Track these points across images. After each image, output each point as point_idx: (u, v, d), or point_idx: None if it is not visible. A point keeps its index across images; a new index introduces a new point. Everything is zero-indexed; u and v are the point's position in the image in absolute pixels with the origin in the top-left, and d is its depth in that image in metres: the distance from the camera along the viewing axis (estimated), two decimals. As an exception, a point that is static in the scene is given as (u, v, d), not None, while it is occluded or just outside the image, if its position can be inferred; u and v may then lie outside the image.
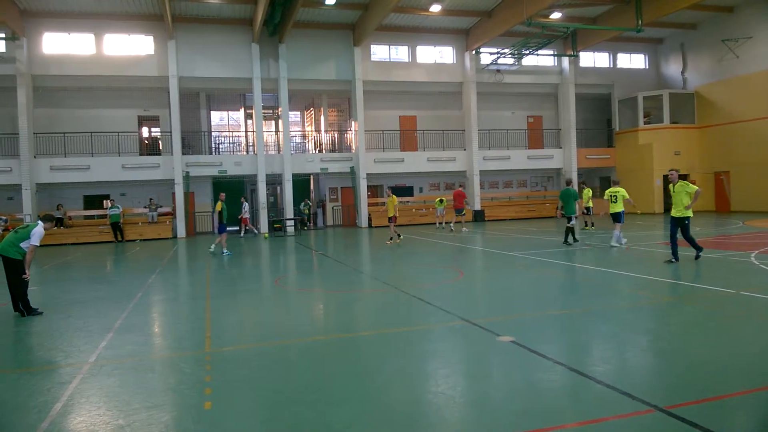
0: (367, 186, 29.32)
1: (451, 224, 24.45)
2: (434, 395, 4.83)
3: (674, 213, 11.68)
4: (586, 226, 21.52)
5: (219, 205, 17.64)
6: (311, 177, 31.49)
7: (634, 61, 34.23)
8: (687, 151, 30.93)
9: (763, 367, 5.23)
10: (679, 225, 11.63)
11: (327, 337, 7.17)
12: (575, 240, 16.34)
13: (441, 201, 25.89)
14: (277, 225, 26.73)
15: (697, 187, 11.62)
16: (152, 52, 26.13)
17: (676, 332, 6.67)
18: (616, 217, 15.20)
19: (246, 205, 25.46)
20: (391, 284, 10.73)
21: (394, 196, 18.94)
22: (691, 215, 11.62)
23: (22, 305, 8.66)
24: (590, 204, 21.68)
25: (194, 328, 7.77)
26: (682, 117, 31.48)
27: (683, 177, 29.91)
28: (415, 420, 4.34)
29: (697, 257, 11.79)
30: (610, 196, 15.42)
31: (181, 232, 26.43)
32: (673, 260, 11.64)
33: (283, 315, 8.78)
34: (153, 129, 29.47)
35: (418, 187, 32.48)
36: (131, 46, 26.10)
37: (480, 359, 5.93)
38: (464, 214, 24.03)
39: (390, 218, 19.00)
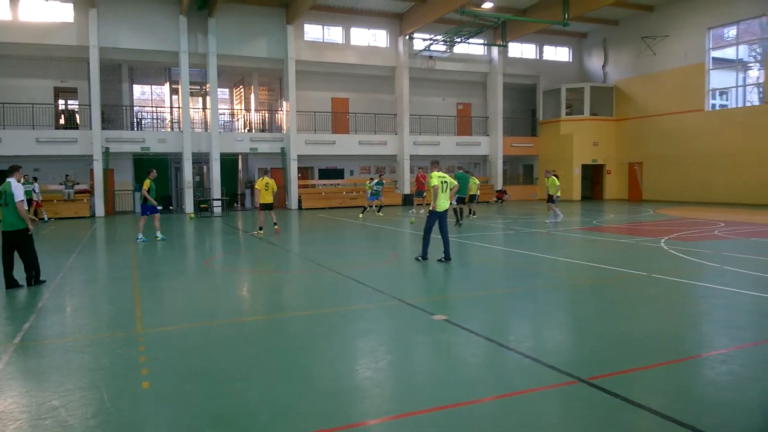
0: (298, 168, 29.07)
1: (413, 210, 25.39)
2: (374, 371, 4.97)
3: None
4: (470, 213, 22.28)
5: (147, 183, 14.81)
6: (239, 157, 30.85)
7: (559, 53, 35.55)
8: (605, 142, 32.60)
9: (673, 342, 5.72)
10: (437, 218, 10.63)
11: (262, 317, 7.18)
12: (460, 222, 18.40)
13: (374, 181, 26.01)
14: (203, 205, 26.08)
15: (455, 182, 10.93)
16: (71, 20, 24.59)
17: (596, 311, 7.14)
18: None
19: (37, 186, 22.29)
20: (325, 266, 10.80)
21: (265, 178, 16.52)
22: (440, 210, 10.59)
23: (35, 272, 8.92)
24: (477, 192, 22.53)
25: (123, 308, 7.55)
26: (601, 109, 33.09)
27: (599, 166, 32.03)
28: (357, 394, 4.48)
29: (422, 257, 10.94)
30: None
31: (100, 210, 25.30)
32: (420, 258, 10.86)
33: (217, 296, 8.68)
34: (70, 102, 27.89)
35: (349, 170, 32.52)
36: (49, 12, 24.44)
37: (416, 337, 6.13)
38: (424, 197, 24.79)
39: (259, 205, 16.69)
